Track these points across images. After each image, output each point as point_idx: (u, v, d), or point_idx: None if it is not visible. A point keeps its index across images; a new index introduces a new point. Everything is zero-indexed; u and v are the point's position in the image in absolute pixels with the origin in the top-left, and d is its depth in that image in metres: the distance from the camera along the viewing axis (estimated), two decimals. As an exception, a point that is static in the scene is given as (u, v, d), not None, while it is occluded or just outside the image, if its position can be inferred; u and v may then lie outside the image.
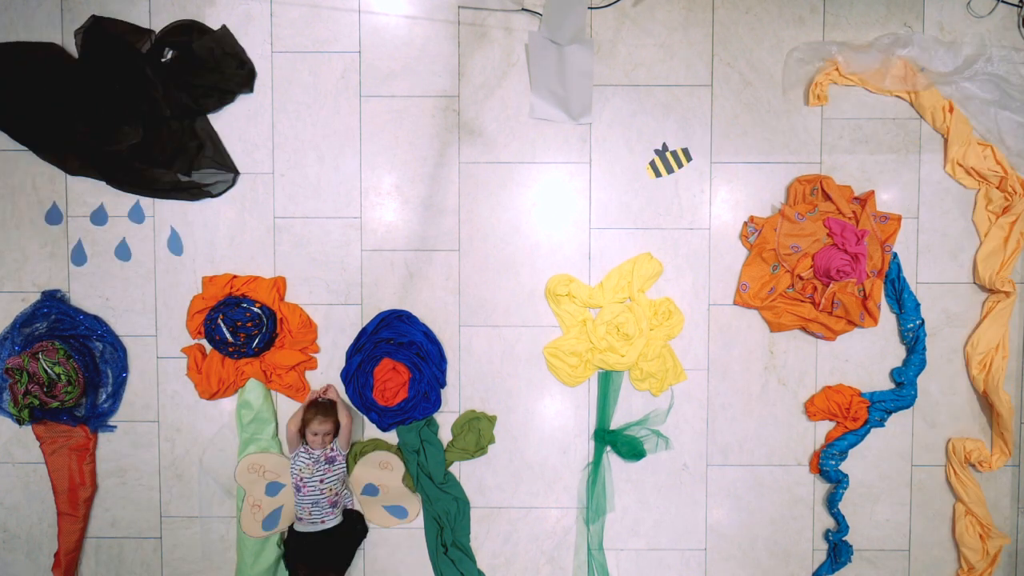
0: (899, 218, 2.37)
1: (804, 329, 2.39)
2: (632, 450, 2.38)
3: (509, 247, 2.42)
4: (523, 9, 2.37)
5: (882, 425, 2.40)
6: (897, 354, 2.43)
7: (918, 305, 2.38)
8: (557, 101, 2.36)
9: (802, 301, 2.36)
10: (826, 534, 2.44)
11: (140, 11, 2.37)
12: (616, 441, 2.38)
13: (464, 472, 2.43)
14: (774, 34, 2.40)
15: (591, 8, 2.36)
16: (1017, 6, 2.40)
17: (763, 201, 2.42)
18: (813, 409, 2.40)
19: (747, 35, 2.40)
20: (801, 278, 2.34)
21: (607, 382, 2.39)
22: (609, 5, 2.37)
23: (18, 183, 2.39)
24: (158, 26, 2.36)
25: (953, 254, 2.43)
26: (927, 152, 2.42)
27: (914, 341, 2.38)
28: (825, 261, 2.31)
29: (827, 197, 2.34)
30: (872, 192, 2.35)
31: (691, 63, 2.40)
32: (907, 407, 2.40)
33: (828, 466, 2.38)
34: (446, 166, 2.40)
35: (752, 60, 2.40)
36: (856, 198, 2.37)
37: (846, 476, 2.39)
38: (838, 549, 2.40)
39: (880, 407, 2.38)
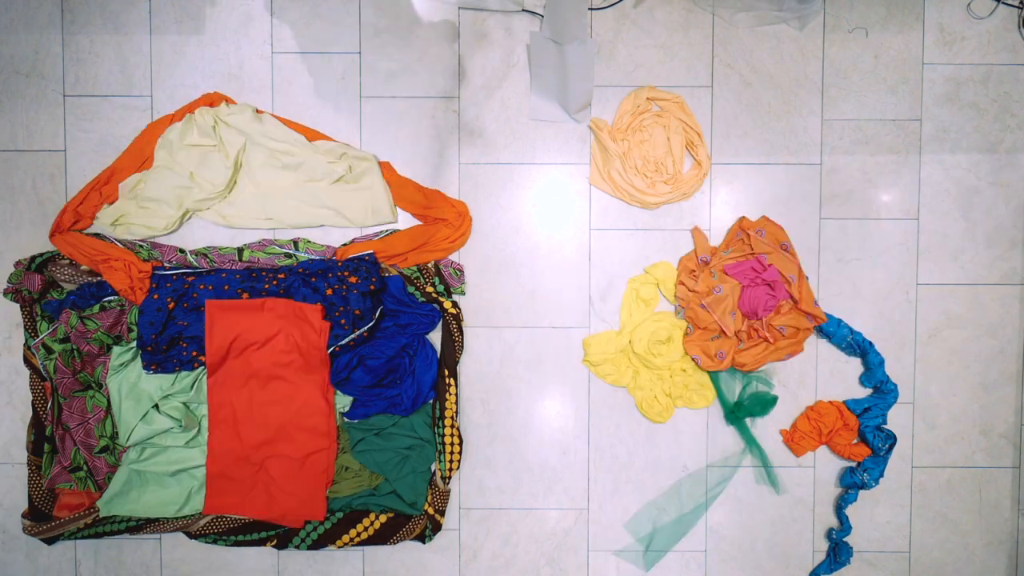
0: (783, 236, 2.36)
1: (772, 361, 2.37)
2: (762, 402, 2.36)
3: (509, 248, 2.42)
4: (523, 10, 2.37)
5: (886, 449, 2.37)
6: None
7: (838, 321, 2.37)
8: (558, 101, 2.36)
9: (756, 344, 2.35)
10: (829, 533, 2.44)
11: (140, 11, 2.37)
12: (748, 404, 2.37)
13: (464, 473, 2.43)
14: (774, 35, 2.40)
15: (591, 9, 2.36)
16: (1017, 7, 2.40)
17: (763, 202, 2.42)
18: (795, 447, 2.40)
19: (747, 36, 2.40)
20: (743, 333, 2.34)
21: (716, 376, 2.39)
22: (609, 6, 2.38)
23: (18, 183, 2.39)
24: (158, 26, 2.37)
25: (953, 255, 2.43)
26: (927, 153, 2.42)
27: (857, 346, 2.38)
28: (749, 305, 2.30)
29: (723, 270, 2.35)
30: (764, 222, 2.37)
31: (691, 64, 2.40)
32: (893, 403, 2.38)
33: (856, 479, 2.37)
34: (446, 167, 2.40)
35: (752, 61, 2.40)
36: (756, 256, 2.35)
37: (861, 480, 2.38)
38: (839, 549, 2.40)
39: (871, 421, 2.35)
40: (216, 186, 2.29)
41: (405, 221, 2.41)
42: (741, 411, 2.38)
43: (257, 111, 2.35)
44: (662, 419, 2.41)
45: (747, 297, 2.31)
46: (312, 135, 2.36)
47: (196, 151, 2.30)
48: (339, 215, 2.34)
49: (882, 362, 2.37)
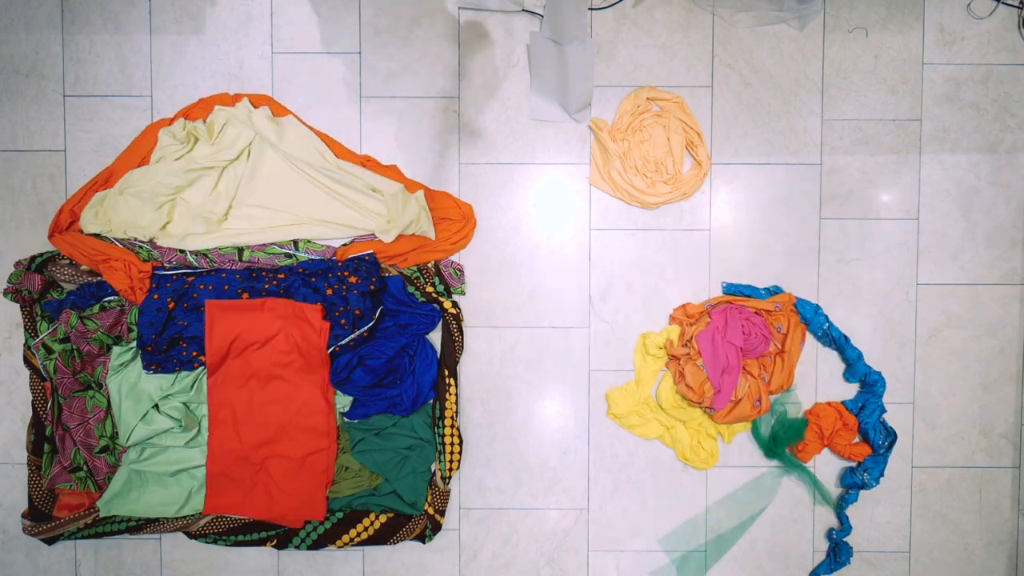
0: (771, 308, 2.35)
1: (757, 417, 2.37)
2: (795, 428, 2.34)
3: (509, 248, 2.42)
4: (523, 10, 2.37)
5: (886, 447, 2.37)
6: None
7: (816, 308, 2.37)
8: (558, 101, 2.37)
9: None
10: (829, 532, 2.44)
11: (140, 11, 2.38)
12: (783, 436, 2.35)
13: (464, 473, 2.43)
14: (774, 35, 2.40)
15: (591, 9, 2.36)
16: (1017, 8, 2.40)
17: (762, 202, 2.42)
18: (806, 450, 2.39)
19: (747, 36, 2.40)
20: (735, 398, 2.34)
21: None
22: (609, 6, 2.38)
23: (18, 183, 2.39)
24: (158, 26, 2.37)
25: (953, 255, 2.43)
26: (927, 153, 2.42)
27: (834, 340, 2.37)
28: (729, 383, 2.29)
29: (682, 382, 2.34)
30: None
31: (691, 64, 2.40)
32: (883, 392, 2.37)
33: (854, 479, 2.37)
34: (446, 167, 2.41)
35: (752, 61, 2.40)
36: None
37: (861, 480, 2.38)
38: (838, 549, 2.40)
39: (869, 417, 2.35)
40: (214, 213, 2.30)
41: (405, 221, 2.41)
42: (779, 445, 2.36)
43: (274, 114, 2.36)
44: (708, 465, 2.40)
45: (724, 372, 2.30)
46: (340, 150, 2.37)
47: (189, 173, 2.31)
48: (363, 231, 2.37)
49: (860, 356, 2.37)
